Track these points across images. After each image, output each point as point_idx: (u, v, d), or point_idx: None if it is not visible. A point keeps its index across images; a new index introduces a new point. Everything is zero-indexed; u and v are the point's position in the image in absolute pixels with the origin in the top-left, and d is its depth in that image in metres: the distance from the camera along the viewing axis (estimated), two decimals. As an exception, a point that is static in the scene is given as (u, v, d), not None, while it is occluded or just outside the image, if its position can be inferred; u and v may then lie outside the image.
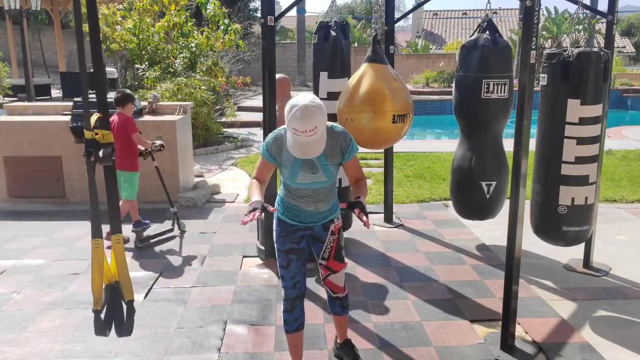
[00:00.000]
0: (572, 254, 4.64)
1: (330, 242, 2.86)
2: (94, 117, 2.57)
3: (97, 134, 2.52)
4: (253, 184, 2.73)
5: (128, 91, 5.42)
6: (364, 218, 2.50)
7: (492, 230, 5.35)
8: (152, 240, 5.23)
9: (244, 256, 4.86)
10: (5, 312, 3.83)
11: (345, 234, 5.24)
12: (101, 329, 2.66)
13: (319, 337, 3.43)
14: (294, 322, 2.90)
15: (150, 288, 4.20)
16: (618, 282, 4.29)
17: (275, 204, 2.89)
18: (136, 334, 3.43)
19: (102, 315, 2.67)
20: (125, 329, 2.70)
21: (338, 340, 3.20)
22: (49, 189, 6.50)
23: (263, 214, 2.59)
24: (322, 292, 4.02)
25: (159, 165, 5.51)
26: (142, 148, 5.23)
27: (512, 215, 3.14)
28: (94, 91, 2.61)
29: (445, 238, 5.33)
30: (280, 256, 2.85)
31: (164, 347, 3.34)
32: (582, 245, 4.43)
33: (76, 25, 2.43)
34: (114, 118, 5.13)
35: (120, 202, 5.03)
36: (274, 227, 2.89)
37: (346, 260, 4.80)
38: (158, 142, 5.35)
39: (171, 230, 5.46)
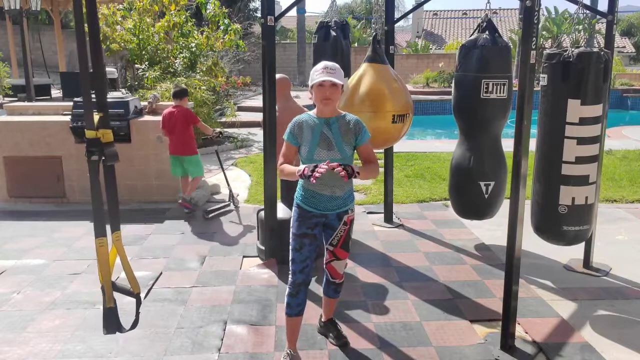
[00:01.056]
0: (572, 254, 4.64)
1: (341, 231, 3.07)
2: (96, 117, 2.57)
3: (98, 133, 2.51)
4: (285, 166, 2.96)
5: (184, 86, 6.47)
6: (334, 164, 2.69)
7: (492, 230, 5.35)
8: (215, 213, 6.08)
9: (244, 256, 4.86)
10: (5, 312, 3.83)
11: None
12: (114, 326, 2.68)
13: (319, 337, 3.43)
14: (296, 307, 3.06)
15: (150, 288, 4.20)
16: (618, 282, 4.29)
17: (296, 192, 3.08)
18: (136, 334, 3.44)
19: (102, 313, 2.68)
20: (133, 323, 2.73)
21: (322, 319, 3.46)
22: (49, 189, 6.50)
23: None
24: (322, 292, 4.03)
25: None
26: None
27: (512, 215, 3.14)
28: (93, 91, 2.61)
29: (445, 238, 5.33)
30: (295, 240, 3.02)
31: (164, 347, 3.34)
32: (582, 245, 4.43)
33: (76, 25, 2.43)
34: (172, 110, 5.90)
35: (190, 180, 6.12)
36: (293, 213, 3.07)
37: (346, 260, 4.81)
38: (218, 130, 6.35)
39: (228, 204, 6.31)
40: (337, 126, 2.93)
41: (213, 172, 8.16)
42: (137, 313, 2.73)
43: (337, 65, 2.91)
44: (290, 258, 3.05)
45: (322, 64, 2.90)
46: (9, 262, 4.73)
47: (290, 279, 3.05)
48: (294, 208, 3.07)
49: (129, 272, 2.67)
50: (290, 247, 3.06)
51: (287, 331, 3.16)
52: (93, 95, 2.55)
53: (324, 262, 3.20)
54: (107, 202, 2.60)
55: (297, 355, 3.14)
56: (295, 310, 3.06)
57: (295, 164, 2.97)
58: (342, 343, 3.34)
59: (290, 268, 3.05)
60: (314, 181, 2.67)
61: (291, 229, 3.06)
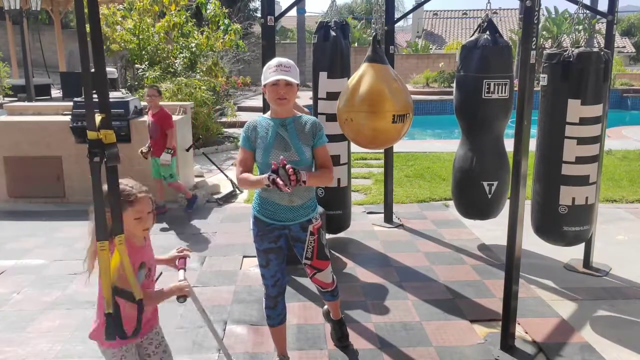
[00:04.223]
0: (572, 254, 4.64)
1: (311, 242, 2.88)
2: (97, 117, 2.56)
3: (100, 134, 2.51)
4: (245, 175, 2.74)
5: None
6: (267, 182, 2.49)
7: (492, 230, 5.35)
8: (223, 197, 6.78)
9: (244, 256, 4.86)
10: (5, 312, 3.83)
11: (345, 234, 5.25)
12: (112, 333, 2.65)
13: (319, 337, 3.43)
14: (277, 317, 2.98)
15: (150, 288, 4.19)
16: (618, 282, 4.28)
17: (253, 201, 2.92)
18: (136, 334, 3.44)
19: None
20: (135, 330, 2.71)
21: (331, 316, 3.35)
22: (49, 189, 6.50)
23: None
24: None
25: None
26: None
27: (512, 215, 3.14)
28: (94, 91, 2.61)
29: (445, 238, 5.33)
30: (260, 255, 2.88)
31: (164, 347, 3.34)
32: (582, 245, 4.43)
33: (78, 24, 2.43)
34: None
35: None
36: (251, 226, 2.89)
37: (345, 259, 4.81)
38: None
39: (233, 190, 7.06)
40: (294, 127, 2.75)
41: (213, 172, 8.16)
42: (139, 320, 2.72)
43: (292, 62, 2.75)
44: (260, 274, 2.94)
45: (276, 60, 2.71)
46: (9, 262, 4.73)
47: (264, 292, 2.96)
48: (251, 220, 2.89)
49: (131, 278, 2.65)
50: (257, 262, 2.94)
51: (275, 339, 3.10)
52: (95, 96, 2.54)
53: (308, 276, 3.06)
54: (110, 205, 2.59)
55: (289, 358, 3.13)
56: (277, 320, 2.99)
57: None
58: (343, 346, 3.30)
59: (262, 283, 2.95)
60: (291, 190, 2.49)
61: (254, 244, 2.89)
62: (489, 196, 4.69)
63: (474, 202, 4.80)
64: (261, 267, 2.91)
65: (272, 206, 2.79)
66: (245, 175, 2.73)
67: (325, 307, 3.44)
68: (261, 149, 2.73)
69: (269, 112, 2.82)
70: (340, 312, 3.33)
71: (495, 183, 4.67)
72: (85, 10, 2.40)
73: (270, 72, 2.67)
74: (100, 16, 11.24)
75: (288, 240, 2.92)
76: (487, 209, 4.80)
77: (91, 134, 2.50)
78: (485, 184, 4.66)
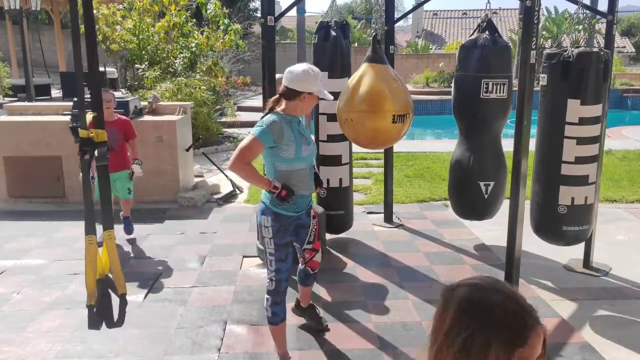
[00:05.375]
0: (572, 254, 4.64)
1: (313, 225, 3.08)
2: (89, 116, 2.60)
3: (91, 132, 2.54)
4: (254, 169, 2.87)
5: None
6: (275, 192, 2.84)
7: (492, 230, 5.35)
8: (223, 197, 6.71)
9: (244, 256, 4.86)
10: (5, 312, 3.83)
11: (345, 234, 5.25)
12: (94, 322, 2.68)
13: (318, 337, 3.43)
14: (281, 313, 3.04)
15: (150, 288, 4.20)
16: (618, 282, 4.28)
17: (268, 199, 2.91)
18: (136, 334, 3.45)
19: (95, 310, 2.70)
20: (117, 321, 2.73)
21: (302, 305, 3.47)
22: (49, 189, 6.50)
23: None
24: (322, 292, 4.04)
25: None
26: None
27: (512, 215, 3.15)
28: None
29: (445, 238, 5.32)
30: (280, 250, 2.91)
31: (164, 347, 3.34)
32: (582, 245, 4.43)
33: (72, 24, 2.44)
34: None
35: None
36: (270, 223, 2.87)
37: (345, 259, 4.83)
38: None
39: (234, 191, 6.99)
40: (302, 122, 2.98)
41: (213, 172, 8.16)
42: (123, 312, 2.74)
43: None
44: (273, 269, 2.92)
45: (317, 69, 2.87)
46: (9, 262, 4.73)
47: (273, 289, 2.95)
48: (269, 217, 2.87)
49: (117, 272, 2.68)
50: (273, 258, 2.91)
51: (277, 338, 3.10)
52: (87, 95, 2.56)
53: (304, 262, 3.18)
54: (100, 202, 2.62)
55: (290, 357, 3.17)
56: (281, 316, 3.03)
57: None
58: (325, 328, 3.43)
59: (274, 278, 2.93)
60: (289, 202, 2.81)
61: (272, 240, 2.89)
62: (486, 196, 4.69)
63: (470, 203, 4.80)
64: (279, 262, 2.92)
65: (299, 198, 2.90)
66: (254, 169, 2.85)
67: (294, 302, 3.52)
68: (292, 146, 2.82)
69: (281, 109, 2.89)
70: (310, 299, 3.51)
71: (492, 183, 4.66)
72: (81, 12, 2.41)
73: (319, 84, 2.84)
74: (100, 16, 11.29)
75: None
76: (484, 210, 4.80)
77: (82, 132, 2.53)
78: (482, 184, 4.66)
